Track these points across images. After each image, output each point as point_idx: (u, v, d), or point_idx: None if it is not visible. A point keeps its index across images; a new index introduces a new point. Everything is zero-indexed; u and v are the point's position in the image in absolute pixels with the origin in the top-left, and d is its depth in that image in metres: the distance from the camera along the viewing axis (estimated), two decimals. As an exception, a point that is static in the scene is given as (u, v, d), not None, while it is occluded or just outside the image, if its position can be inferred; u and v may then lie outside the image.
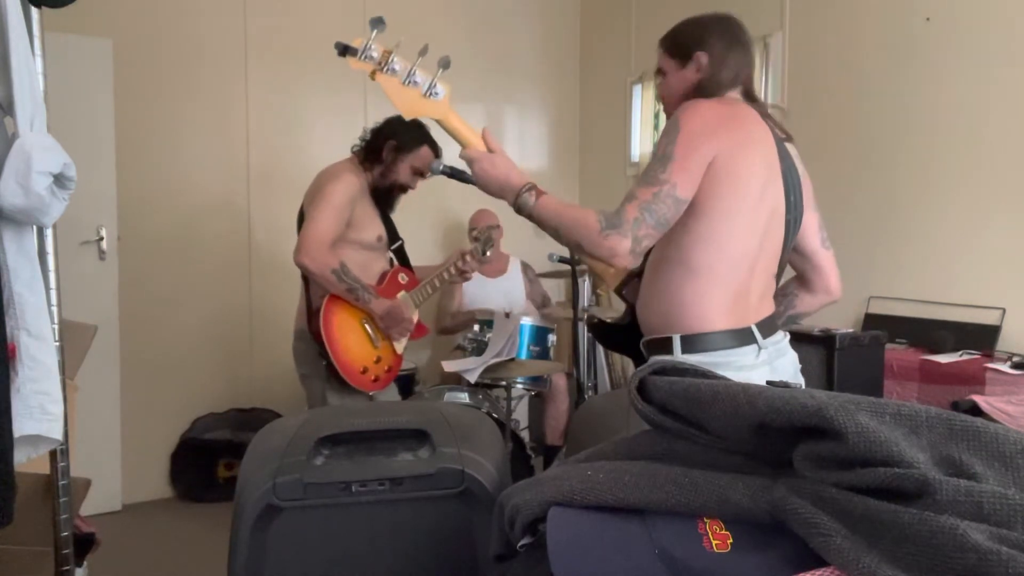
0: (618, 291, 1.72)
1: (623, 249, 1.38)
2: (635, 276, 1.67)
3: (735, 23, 1.61)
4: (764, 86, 3.56)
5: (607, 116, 4.70)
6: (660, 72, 1.65)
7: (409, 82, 1.48)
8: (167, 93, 3.68)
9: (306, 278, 2.62)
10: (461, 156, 1.55)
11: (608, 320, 1.79)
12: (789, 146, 1.61)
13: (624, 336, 1.68)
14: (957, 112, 2.87)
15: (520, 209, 1.50)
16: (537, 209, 1.47)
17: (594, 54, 4.85)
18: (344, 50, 1.45)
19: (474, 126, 1.56)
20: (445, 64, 1.48)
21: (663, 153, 1.44)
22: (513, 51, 4.69)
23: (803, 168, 1.64)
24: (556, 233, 1.47)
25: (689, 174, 1.42)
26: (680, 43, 1.60)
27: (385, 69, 1.47)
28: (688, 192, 1.43)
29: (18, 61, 1.44)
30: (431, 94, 1.49)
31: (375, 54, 1.46)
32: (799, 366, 1.65)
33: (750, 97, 1.59)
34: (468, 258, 2.82)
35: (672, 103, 1.62)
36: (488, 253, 2.86)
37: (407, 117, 1.54)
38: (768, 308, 1.59)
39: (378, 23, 1.43)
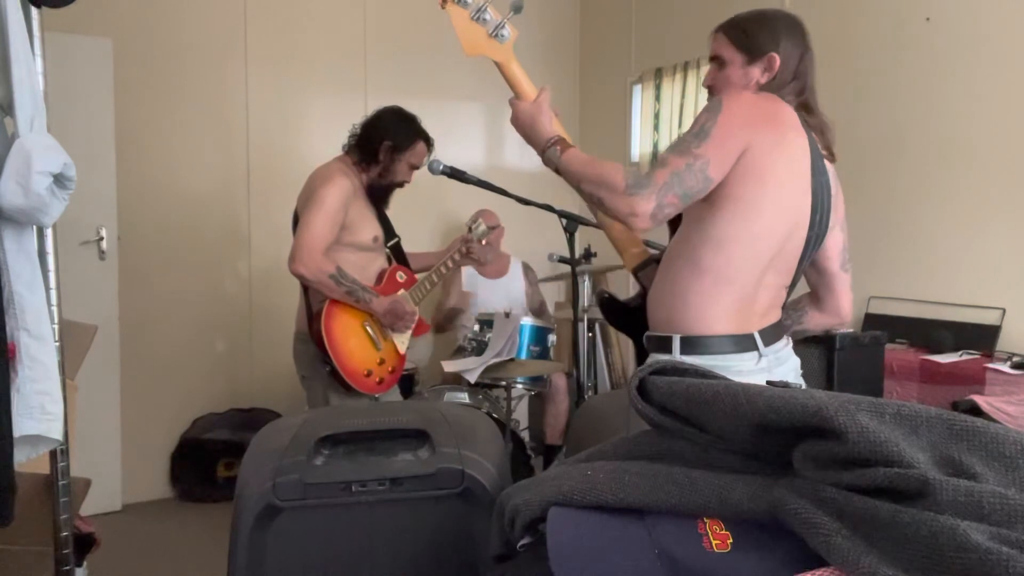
0: (635, 272, 1.70)
1: (645, 210, 1.36)
2: (653, 261, 1.65)
3: (804, 28, 1.56)
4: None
5: (607, 116, 4.70)
6: (717, 59, 1.57)
7: (478, 18, 1.46)
8: (167, 93, 3.68)
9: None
10: (510, 101, 1.59)
11: (619, 298, 1.76)
12: (828, 164, 1.57)
13: (631, 317, 1.67)
14: (957, 112, 2.87)
15: (547, 162, 1.51)
16: (563, 162, 1.48)
17: (594, 54, 4.85)
18: None
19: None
20: (517, 8, 1.45)
21: (701, 128, 1.40)
22: (513, 51, 4.69)
23: (838, 188, 1.61)
24: (578, 187, 1.46)
25: (723, 155, 1.39)
26: (753, 37, 1.53)
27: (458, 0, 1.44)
28: (718, 172, 1.40)
29: (18, 61, 1.44)
30: (498, 36, 1.48)
31: None
32: (800, 372, 1.64)
33: (807, 109, 1.54)
34: (466, 248, 2.79)
35: None
36: (484, 241, 2.84)
37: (469, 54, 1.51)
38: (774, 316, 1.57)
39: None
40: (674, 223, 1.59)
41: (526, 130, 1.54)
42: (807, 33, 1.55)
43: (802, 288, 1.73)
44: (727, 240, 1.45)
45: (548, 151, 1.51)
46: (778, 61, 1.50)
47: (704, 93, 1.63)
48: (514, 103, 1.55)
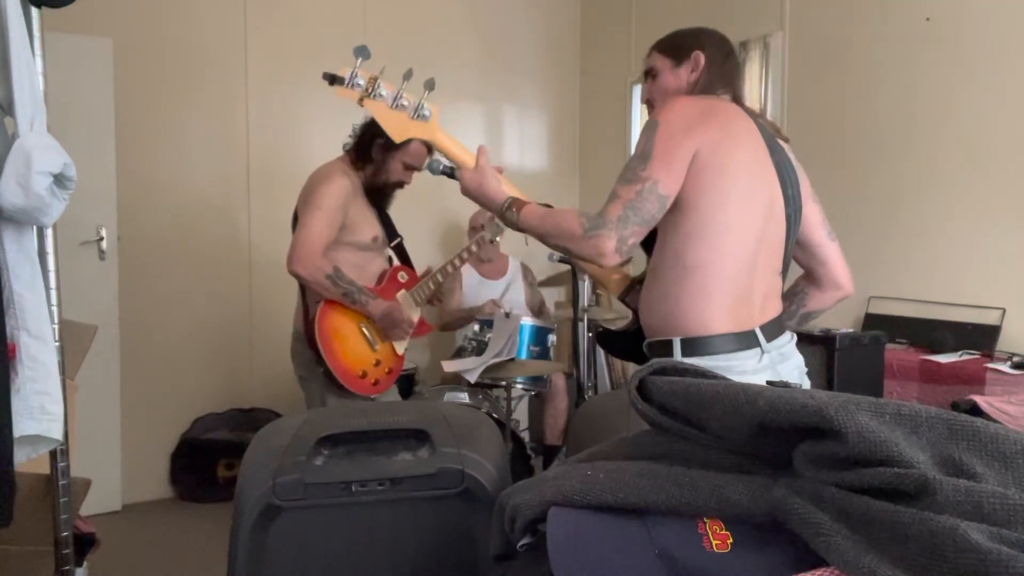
0: (621, 298, 1.71)
1: (608, 248, 1.39)
2: (637, 283, 1.66)
3: (729, 40, 1.65)
4: (764, 86, 3.56)
5: (607, 116, 4.70)
6: (650, 74, 1.66)
7: (396, 106, 1.54)
8: (167, 93, 3.69)
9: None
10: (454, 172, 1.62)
11: (613, 328, 1.77)
12: (783, 142, 1.60)
13: (630, 343, 1.66)
14: (957, 112, 2.87)
15: (507, 223, 1.56)
16: (521, 221, 1.52)
17: (594, 54, 4.85)
18: (332, 80, 1.51)
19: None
20: (430, 86, 1.53)
21: (642, 151, 1.44)
22: (513, 51, 4.69)
23: (797, 161, 1.64)
24: (543, 242, 1.51)
25: (670, 170, 1.42)
26: (677, 43, 1.62)
27: (372, 95, 1.52)
28: (670, 188, 1.42)
29: (18, 61, 1.44)
30: (419, 116, 1.55)
31: (361, 81, 1.51)
32: (805, 370, 1.62)
33: (738, 103, 1.58)
34: (474, 248, 2.79)
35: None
36: (497, 240, 2.85)
37: (397, 140, 1.59)
38: (774, 309, 1.56)
39: (362, 51, 1.49)
40: (648, 241, 1.59)
41: (473, 195, 1.58)
42: (730, 44, 1.65)
43: (795, 275, 1.72)
44: (707, 233, 1.45)
45: (506, 214, 1.54)
46: (703, 57, 1.57)
47: None
48: (461, 175, 1.59)
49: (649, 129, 1.47)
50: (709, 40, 1.60)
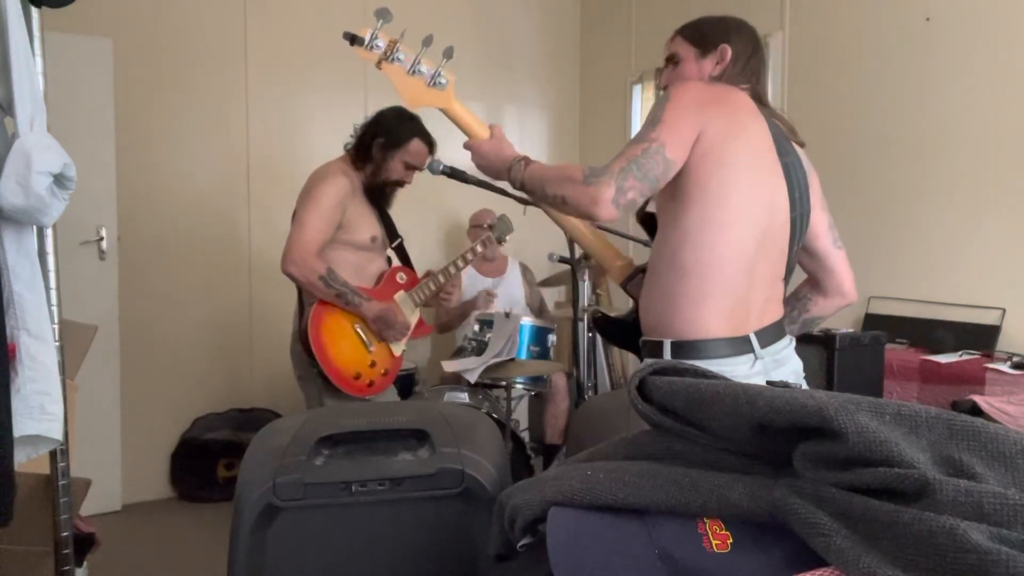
0: (623, 285, 1.70)
1: (606, 196, 1.35)
2: (640, 271, 1.65)
3: (756, 33, 1.61)
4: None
5: (607, 116, 4.70)
6: (672, 59, 1.61)
7: (414, 71, 1.51)
8: (167, 93, 3.69)
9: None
10: (465, 146, 1.58)
11: (611, 314, 1.77)
12: (795, 145, 1.58)
13: (626, 331, 1.66)
14: (956, 112, 2.87)
15: (513, 181, 1.53)
16: (527, 174, 1.49)
17: (594, 54, 4.85)
18: (352, 39, 1.50)
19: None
20: (448, 54, 1.50)
21: (652, 118, 1.43)
22: (513, 51, 4.69)
23: (810, 166, 1.61)
24: (544, 193, 1.46)
25: (679, 136, 1.40)
26: (705, 33, 1.58)
27: (390, 58, 1.50)
28: (676, 154, 1.40)
29: (18, 61, 1.44)
30: (435, 83, 1.52)
31: (381, 43, 1.50)
32: (803, 375, 1.60)
33: (759, 100, 1.56)
34: (480, 248, 2.80)
35: None
36: (504, 242, 2.85)
37: (411, 107, 1.56)
38: (773, 314, 1.54)
39: (384, 14, 1.47)
40: (653, 232, 1.58)
41: (492, 161, 1.56)
42: (758, 37, 1.61)
43: (799, 278, 1.71)
44: (704, 230, 1.43)
45: (513, 169, 1.52)
46: (730, 52, 1.54)
47: None
48: (473, 145, 1.57)
49: (661, 102, 1.45)
50: (737, 32, 1.57)
